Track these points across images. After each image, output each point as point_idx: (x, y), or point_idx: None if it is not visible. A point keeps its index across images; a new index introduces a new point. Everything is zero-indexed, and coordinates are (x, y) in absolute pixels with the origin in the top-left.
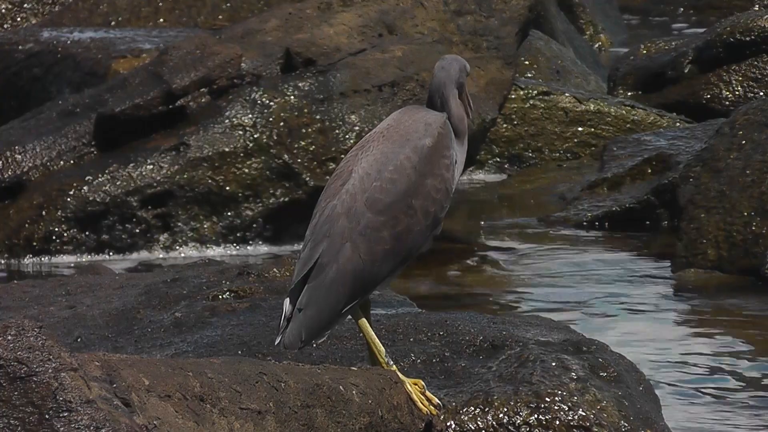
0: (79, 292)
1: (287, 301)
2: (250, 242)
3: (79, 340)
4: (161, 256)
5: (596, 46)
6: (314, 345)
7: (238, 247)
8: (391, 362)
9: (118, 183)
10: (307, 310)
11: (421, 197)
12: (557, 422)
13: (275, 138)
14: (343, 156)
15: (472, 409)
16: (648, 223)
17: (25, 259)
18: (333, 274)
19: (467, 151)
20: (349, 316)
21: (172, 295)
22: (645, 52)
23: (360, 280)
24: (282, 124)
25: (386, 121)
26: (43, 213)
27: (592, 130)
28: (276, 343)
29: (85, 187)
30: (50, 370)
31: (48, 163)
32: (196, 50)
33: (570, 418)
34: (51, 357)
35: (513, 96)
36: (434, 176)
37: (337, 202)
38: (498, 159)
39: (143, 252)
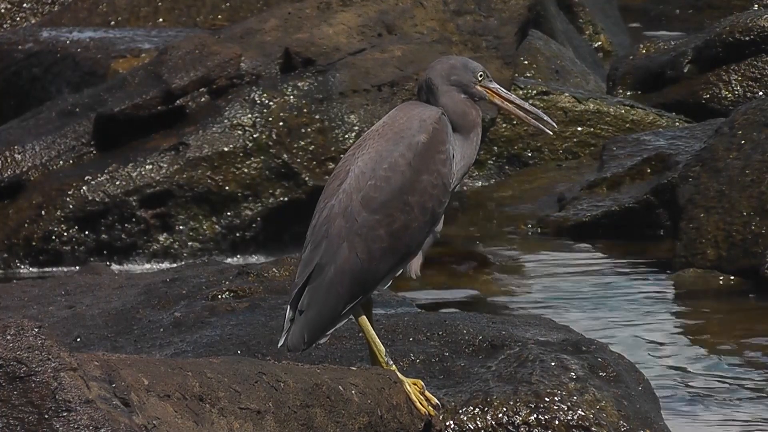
0: (78, 291)
1: (289, 303)
2: (250, 242)
3: (78, 339)
4: (160, 255)
5: (595, 45)
6: (315, 346)
7: (237, 247)
8: (391, 362)
9: (117, 183)
10: (308, 311)
11: (417, 194)
12: (556, 422)
13: (274, 138)
14: (342, 156)
15: (472, 408)
16: (647, 223)
17: (25, 259)
18: (331, 274)
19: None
20: (351, 316)
21: (171, 295)
22: (644, 51)
23: (359, 280)
24: (281, 123)
25: (383, 119)
26: (43, 213)
27: (592, 129)
28: (279, 345)
29: (84, 187)
30: (50, 370)
31: (47, 163)
32: (195, 50)
33: (569, 417)
34: (50, 357)
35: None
36: (430, 172)
37: (335, 202)
38: (497, 159)
39: (142, 252)
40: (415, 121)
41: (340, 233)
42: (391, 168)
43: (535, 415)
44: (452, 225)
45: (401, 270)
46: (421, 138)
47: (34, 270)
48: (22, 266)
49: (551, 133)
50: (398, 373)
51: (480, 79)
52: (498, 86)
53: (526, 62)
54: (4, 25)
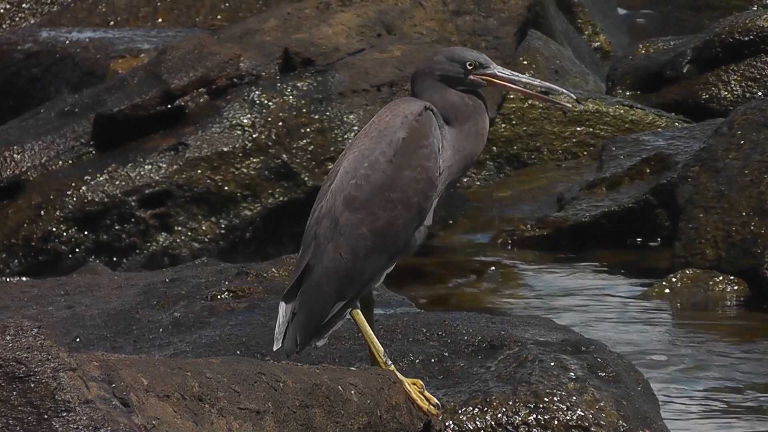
0: (77, 292)
1: (282, 305)
2: (249, 242)
3: (77, 340)
4: (159, 255)
5: (594, 45)
6: (313, 346)
7: (236, 247)
8: (390, 362)
9: (116, 183)
10: (299, 313)
11: (399, 190)
12: (556, 422)
13: (274, 138)
14: None
15: (471, 408)
16: (646, 223)
17: (24, 259)
18: (318, 275)
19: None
20: (348, 317)
21: (170, 295)
22: (643, 51)
23: (345, 279)
24: (280, 124)
25: (373, 118)
26: (42, 213)
27: (591, 130)
28: (275, 349)
29: (83, 187)
30: (49, 370)
31: (46, 163)
32: (194, 50)
33: (568, 418)
34: (50, 357)
35: (511, 96)
36: (412, 167)
37: (324, 203)
38: (496, 159)
39: (142, 252)
40: (399, 118)
41: (325, 234)
42: (370, 166)
43: (534, 415)
44: (451, 226)
45: (393, 266)
46: (402, 134)
47: (34, 270)
48: (21, 266)
49: (570, 106)
50: (397, 373)
51: (470, 68)
52: (498, 69)
53: (525, 62)
54: (4, 26)
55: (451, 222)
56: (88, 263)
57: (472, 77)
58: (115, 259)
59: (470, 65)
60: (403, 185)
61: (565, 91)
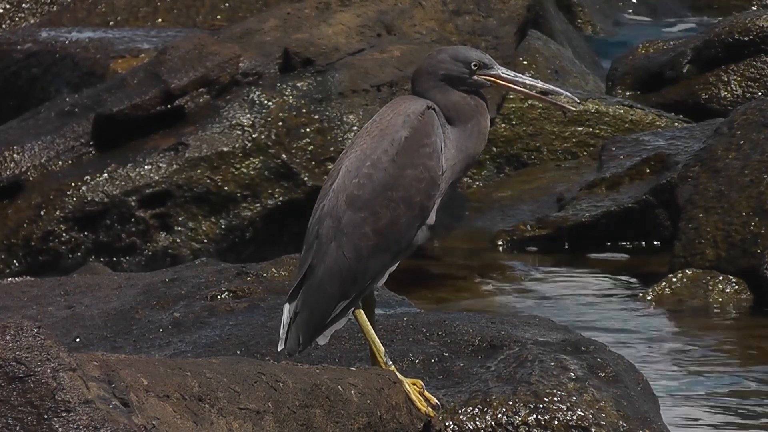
0: (77, 292)
1: (286, 305)
2: (249, 242)
3: (77, 340)
4: (159, 256)
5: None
6: (314, 346)
7: (236, 247)
8: (390, 362)
9: (116, 183)
10: (301, 313)
11: (402, 189)
12: (556, 422)
13: (274, 138)
14: None
15: (471, 409)
16: (646, 223)
17: (24, 259)
18: (321, 274)
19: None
20: (350, 316)
21: (170, 295)
22: (643, 51)
23: (348, 279)
24: (280, 124)
25: (374, 117)
26: (42, 213)
27: (591, 130)
28: (279, 349)
29: (83, 187)
30: (49, 370)
31: (46, 163)
32: (194, 50)
33: (568, 418)
34: (49, 357)
35: (511, 96)
36: (414, 167)
37: (326, 202)
38: (496, 159)
39: (142, 252)
40: (400, 117)
41: (328, 233)
42: (373, 165)
43: (534, 416)
44: (451, 226)
45: (396, 265)
46: (404, 133)
47: (33, 270)
48: (21, 266)
49: (573, 109)
50: (397, 373)
51: (475, 68)
52: (502, 70)
53: (525, 62)
54: (4, 26)
55: (451, 222)
56: (88, 263)
57: (476, 77)
58: (115, 259)
59: (475, 65)
60: (405, 184)
61: (567, 93)
